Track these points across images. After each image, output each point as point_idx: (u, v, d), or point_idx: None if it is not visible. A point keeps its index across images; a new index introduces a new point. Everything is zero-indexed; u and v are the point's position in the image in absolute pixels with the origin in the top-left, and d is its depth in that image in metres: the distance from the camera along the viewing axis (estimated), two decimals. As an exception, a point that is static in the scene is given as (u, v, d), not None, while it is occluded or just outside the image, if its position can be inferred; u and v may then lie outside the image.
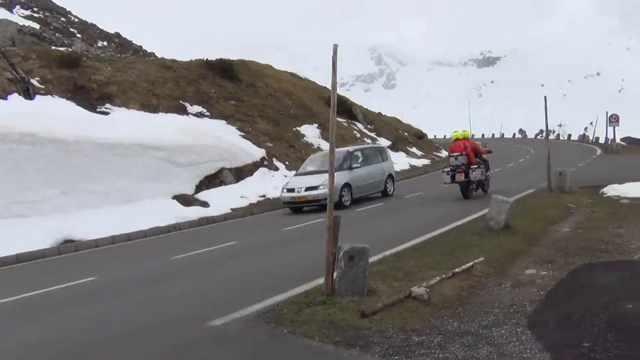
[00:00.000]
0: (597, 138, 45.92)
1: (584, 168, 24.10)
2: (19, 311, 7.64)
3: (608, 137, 39.99)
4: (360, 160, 17.82)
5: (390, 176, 18.94)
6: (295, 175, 17.91)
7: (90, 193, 15.40)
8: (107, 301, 7.81)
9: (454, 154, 16.10)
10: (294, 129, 27.03)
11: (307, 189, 16.32)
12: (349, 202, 16.80)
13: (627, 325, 5.15)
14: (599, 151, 35.81)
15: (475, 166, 15.82)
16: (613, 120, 38.07)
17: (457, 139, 16.56)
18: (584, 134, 55.03)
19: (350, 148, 18.49)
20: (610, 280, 6.78)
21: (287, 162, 22.83)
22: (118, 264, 10.82)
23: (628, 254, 8.24)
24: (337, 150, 15.94)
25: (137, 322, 6.58)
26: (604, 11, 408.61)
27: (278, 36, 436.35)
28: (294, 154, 24.07)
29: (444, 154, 37.74)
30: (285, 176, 21.49)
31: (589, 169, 23.41)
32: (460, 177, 15.65)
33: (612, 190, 14.77)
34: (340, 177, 15.87)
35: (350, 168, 17.12)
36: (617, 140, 38.93)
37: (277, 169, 21.88)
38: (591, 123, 53.18)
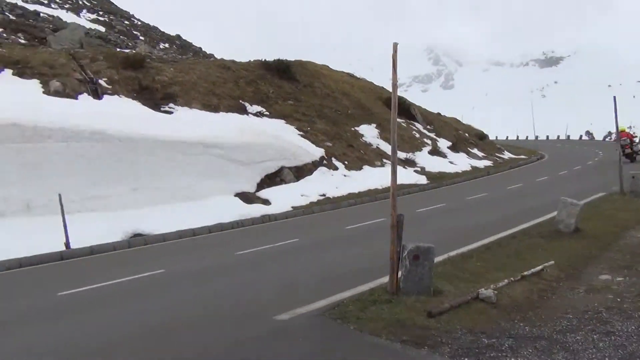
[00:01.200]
0: (672, 141, 43.53)
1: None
2: (96, 299, 7.94)
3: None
4: None
5: None
6: None
7: (158, 190, 15.83)
8: (175, 292, 8.04)
9: (623, 138, 25.79)
10: (352, 128, 26.96)
11: None
12: None
13: None
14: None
15: (637, 142, 27.48)
16: (688, 122, 36.13)
17: (623, 131, 26.33)
18: (655, 137, 52.36)
19: None
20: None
21: (346, 162, 22.81)
22: (185, 258, 11.09)
23: None
24: None
25: (203, 313, 6.74)
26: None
27: (333, 37, 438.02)
28: (352, 153, 24.03)
29: (506, 155, 36.80)
30: (345, 175, 21.46)
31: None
32: (629, 150, 27.33)
33: (690, 194, 14.01)
34: None
35: None
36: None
37: (336, 168, 21.88)
38: (664, 125, 50.52)
